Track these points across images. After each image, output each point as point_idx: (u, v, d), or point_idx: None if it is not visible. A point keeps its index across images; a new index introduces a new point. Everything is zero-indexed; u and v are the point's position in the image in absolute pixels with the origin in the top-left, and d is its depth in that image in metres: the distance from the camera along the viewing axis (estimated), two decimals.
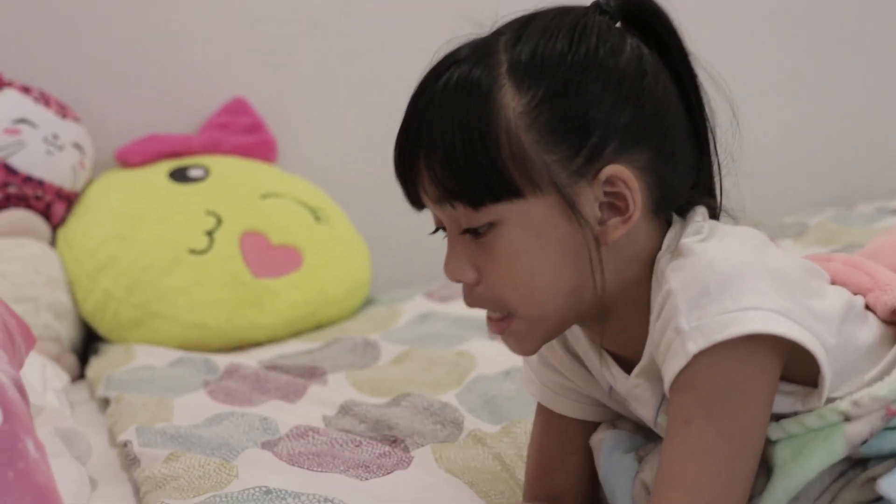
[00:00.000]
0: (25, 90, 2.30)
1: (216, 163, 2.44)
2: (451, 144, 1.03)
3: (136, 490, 1.45)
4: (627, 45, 1.08)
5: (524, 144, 1.02)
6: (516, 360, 1.78)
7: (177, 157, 2.45)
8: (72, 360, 2.17)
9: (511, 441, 1.49)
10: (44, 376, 1.81)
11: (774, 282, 1.00)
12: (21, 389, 1.05)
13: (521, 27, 1.07)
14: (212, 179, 2.37)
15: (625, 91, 1.05)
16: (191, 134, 2.52)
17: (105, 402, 1.84)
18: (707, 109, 1.12)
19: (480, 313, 2.07)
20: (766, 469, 1.08)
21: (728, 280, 1.00)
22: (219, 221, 2.27)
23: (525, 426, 1.49)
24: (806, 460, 1.05)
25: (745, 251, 1.03)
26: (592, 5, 1.11)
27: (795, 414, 1.07)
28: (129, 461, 1.52)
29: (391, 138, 2.15)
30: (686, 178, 1.10)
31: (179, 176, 2.37)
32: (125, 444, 1.55)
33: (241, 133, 2.53)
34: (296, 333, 2.25)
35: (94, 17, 2.48)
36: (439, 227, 1.12)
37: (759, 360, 1.00)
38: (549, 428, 1.28)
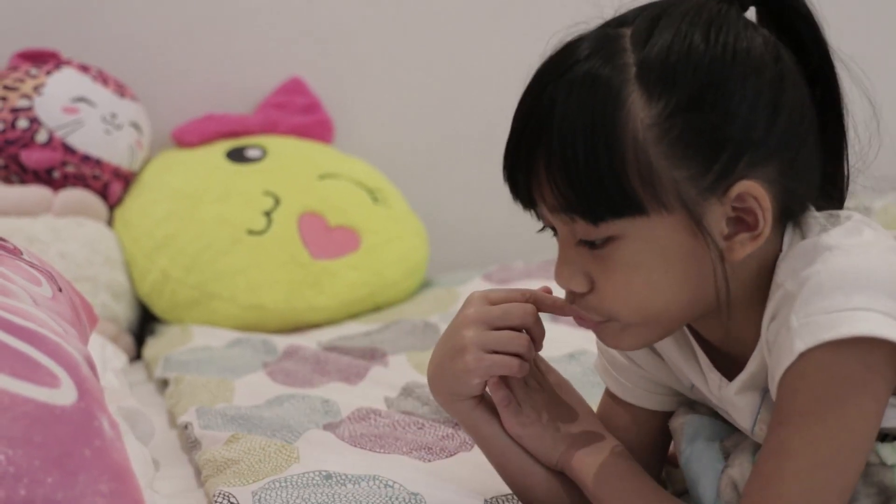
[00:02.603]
0: (84, 69, 2.30)
1: (273, 143, 2.43)
2: (573, 156, 0.97)
3: (198, 472, 1.45)
4: (768, 46, 1.01)
5: (651, 159, 0.96)
6: (581, 343, 1.77)
7: (234, 136, 2.44)
8: (128, 340, 2.17)
9: None
10: (103, 356, 1.80)
11: (894, 283, 0.95)
12: (92, 366, 1.05)
13: (652, 22, 1.00)
14: (269, 160, 2.36)
15: (761, 104, 0.98)
16: (247, 114, 2.51)
17: (163, 383, 1.84)
18: (845, 113, 1.07)
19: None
20: (881, 493, 1.04)
21: (844, 278, 0.95)
22: (277, 202, 2.26)
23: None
24: None
25: (869, 250, 0.98)
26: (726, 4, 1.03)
27: None
28: (191, 444, 1.51)
29: (448, 119, 2.13)
30: (814, 186, 1.05)
31: (237, 156, 2.36)
32: (186, 427, 1.54)
33: (298, 113, 2.52)
34: (353, 315, 2.24)
35: None
36: (547, 225, 1.06)
37: (871, 367, 0.95)
38: (616, 420, 1.25)
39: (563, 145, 0.97)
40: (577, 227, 1.01)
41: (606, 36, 1.01)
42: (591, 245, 1.01)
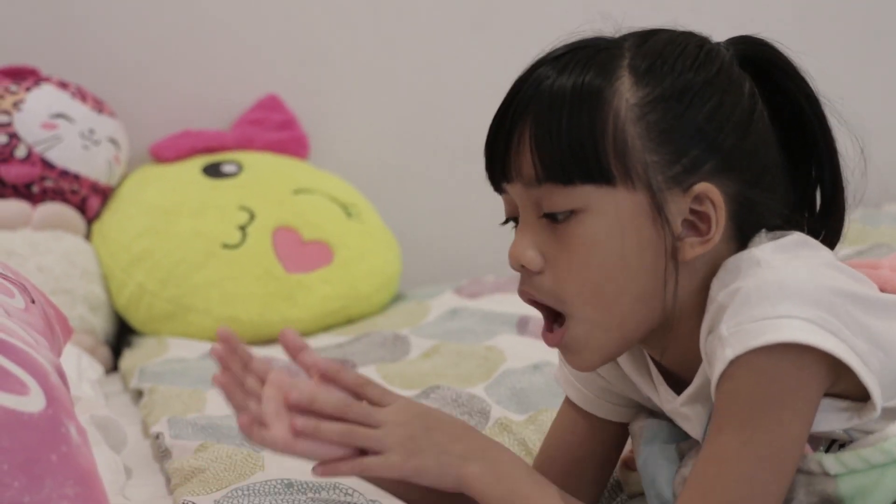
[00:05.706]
0: (63, 86, 2.33)
1: (249, 158, 2.45)
2: (558, 118, 1.03)
3: (168, 480, 1.47)
4: (746, 82, 1.09)
5: (628, 136, 1.03)
6: (545, 355, 1.78)
7: (210, 152, 2.46)
8: (105, 352, 2.19)
9: (537, 428, 1.50)
10: (79, 367, 1.83)
11: (820, 293, 0.99)
12: (62, 375, 1.07)
13: (648, 35, 1.09)
14: (245, 175, 2.39)
15: (735, 118, 1.05)
16: (224, 130, 2.54)
17: (138, 394, 1.86)
18: (838, 154, 1.12)
19: (509, 309, 2.04)
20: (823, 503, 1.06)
21: (770, 288, 0.99)
22: (252, 216, 2.29)
23: (552, 415, 1.50)
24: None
25: (796, 264, 1.03)
26: (715, 42, 1.11)
27: (852, 441, 1.06)
28: (161, 453, 1.54)
29: (422, 135, 2.11)
30: (776, 215, 1.09)
31: (213, 171, 2.39)
32: (157, 436, 1.57)
33: (274, 129, 2.54)
34: (326, 328, 2.26)
35: (131, 13, 2.51)
36: (510, 217, 1.11)
37: (802, 370, 0.98)
38: (575, 427, 1.28)
39: (551, 109, 1.03)
40: (544, 199, 1.05)
41: (606, 39, 1.09)
42: (554, 219, 1.05)
